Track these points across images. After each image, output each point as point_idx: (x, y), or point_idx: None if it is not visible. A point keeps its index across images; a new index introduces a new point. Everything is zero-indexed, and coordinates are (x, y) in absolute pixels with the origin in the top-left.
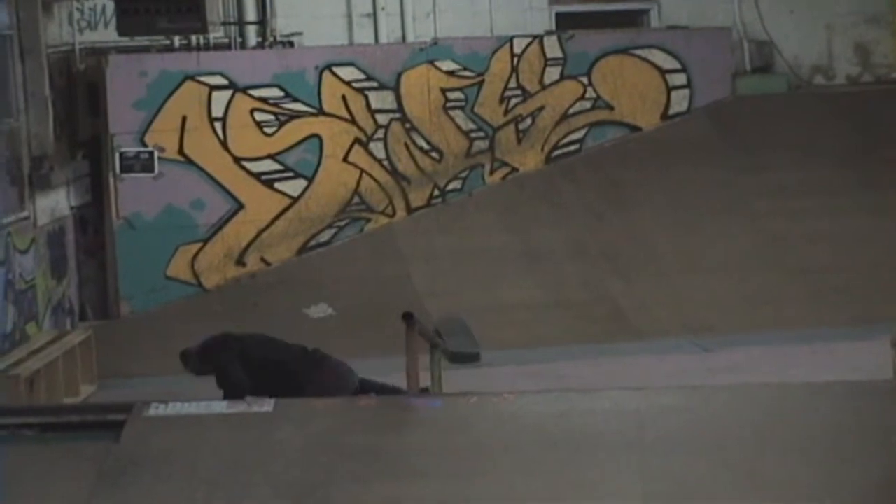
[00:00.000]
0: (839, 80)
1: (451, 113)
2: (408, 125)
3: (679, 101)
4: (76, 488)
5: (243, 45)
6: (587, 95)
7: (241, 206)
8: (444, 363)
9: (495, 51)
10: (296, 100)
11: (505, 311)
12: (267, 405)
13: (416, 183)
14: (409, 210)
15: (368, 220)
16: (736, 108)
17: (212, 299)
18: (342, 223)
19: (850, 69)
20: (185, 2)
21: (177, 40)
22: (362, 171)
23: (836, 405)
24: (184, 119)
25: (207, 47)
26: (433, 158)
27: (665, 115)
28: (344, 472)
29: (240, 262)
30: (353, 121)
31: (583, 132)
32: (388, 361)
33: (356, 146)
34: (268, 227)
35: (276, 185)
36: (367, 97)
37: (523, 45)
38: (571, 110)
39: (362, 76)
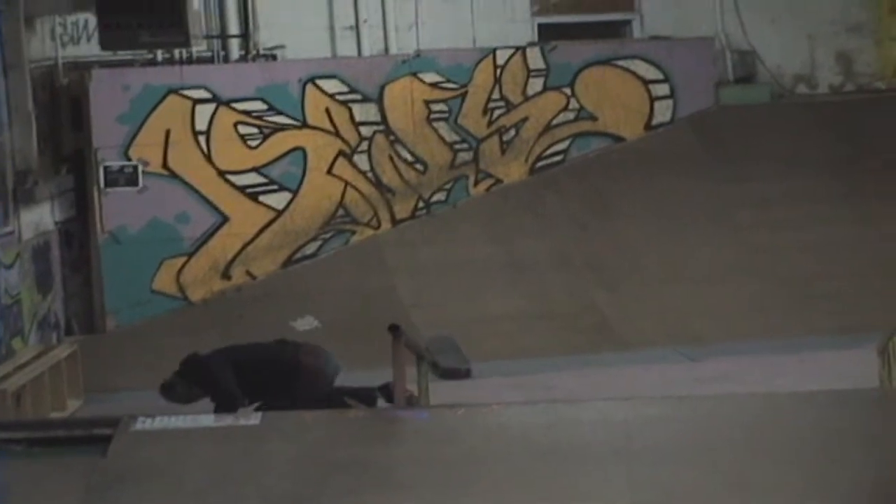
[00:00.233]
0: (822, 90)
1: (435, 125)
2: (392, 137)
3: (662, 112)
4: (64, 503)
5: (226, 59)
6: (570, 106)
7: (225, 220)
8: (434, 377)
9: (478, 62)
10: (279, 113)
11: (490, 322)
12: (254, 418)
13: (401, 195)
14: (394, 222)
15: (353, 233)
16: (719, 118)
17: (198, 312)
18: (327, 236)
19: (833, 78)
20: (168, 16)
21: (159, 54)
22: (347, 183)
23: (823, 413)
24: (167, 133)
25: (190, 61)
26: (417, 170)
27: (648, 126)
28: (333, 485)
29: (225, 275)
30: (336, 133)
31: (566, 143)
32: (374, 373)
33: (340, 159)
34: (253, 240)
35: (261, 198)
36: (350, 110)
37: (506, 57)
38: (555, 121)
39: (345, 89)
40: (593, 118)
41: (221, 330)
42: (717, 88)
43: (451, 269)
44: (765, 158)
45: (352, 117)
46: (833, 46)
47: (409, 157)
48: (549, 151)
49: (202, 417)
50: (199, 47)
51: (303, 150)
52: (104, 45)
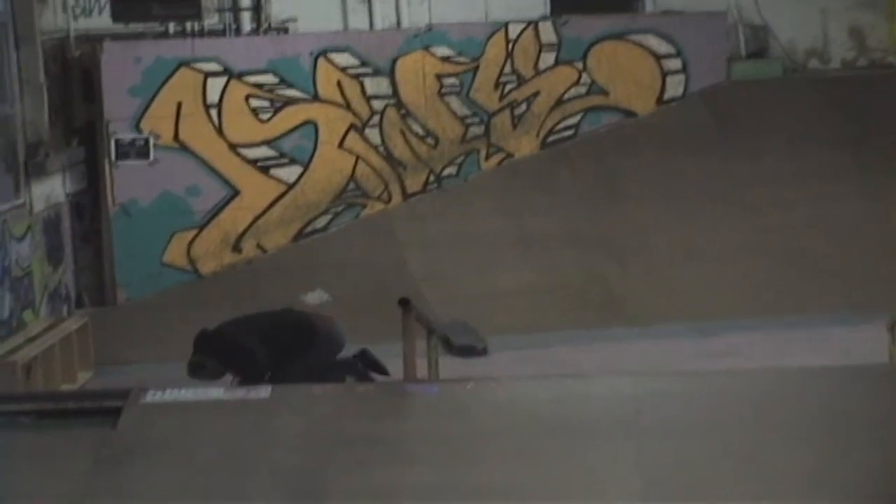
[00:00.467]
0: (834, 65)
1: (447, 99)
2: (403, 111)
3: (674, 87)
4: (73, 475)
5: (238, 32)
6: (582, 81)
7: (236, 193)
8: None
9: (490, 36)
10: (291, 86)
11: (501, 296)
12: (264, 392)
13: (412, 169)
14: (405, 196)
15: (364, 207)
16: (731, 93)
17: (208, 286)
18: (338, 209)
19: (845, 53)
20: None
21: (171, 27)
22: (358, 157)
23: (833, 389)
24: (179, 105)
25: (202, 34)
26: (429, 144)
27: (660, 101)
28: (341, 459)
29: (236, 248)
30: (348, 107)
31: (578, 117)
32: (385, 347)
33: (352, 132)
34: (264, 213)
35: (272, 171)
36: (362, 83)
37: (518, 31)
38: (566, 96)
39: (357, 62)
40: (605, 93)
41: (232, 303)
42: (728, 63)
43: (462, 244)
44: (776, 134)
45: (363, 91)
46: (845, 21)
47: (421, 131)
48: (560, 126)
49: (212, 390)
50: (210, 20)
51: (314, 123)
52: (116, 17)
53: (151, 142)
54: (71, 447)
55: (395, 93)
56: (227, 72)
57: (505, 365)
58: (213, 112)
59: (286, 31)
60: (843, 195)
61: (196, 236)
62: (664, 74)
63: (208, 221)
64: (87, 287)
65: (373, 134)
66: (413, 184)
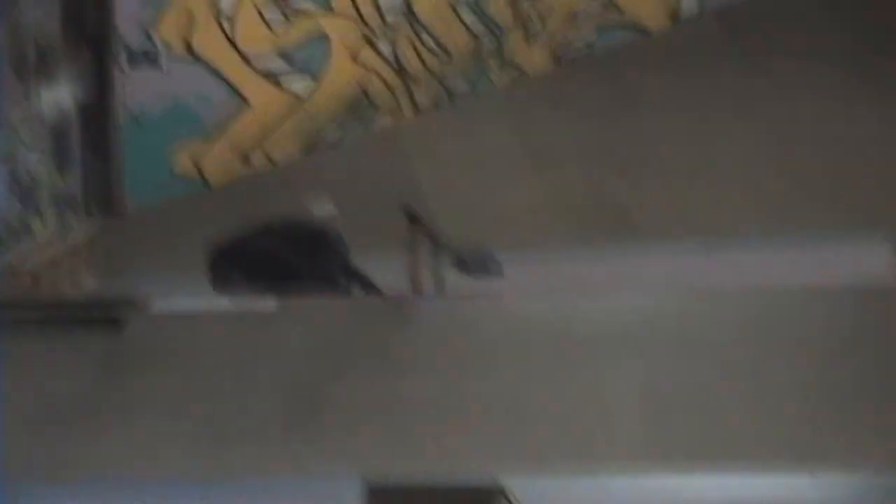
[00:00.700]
0: None
1: (460, 12)
2: (416, 25)
3: (690, 3)
4: (79, 382)
5: None
6: None
7: (247, 104)
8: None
9: None
10: None
11: (510, 212)
12: (270, 303)
13: (424, 83)
14: (416, 111)
15: (375, 121)
16: (748, 8)
17: (216, 197)
18: (349, 123)
19: None
20: None
21: None
22: (370, 70)
23: (840, 308)
24: (191, 14)
25: None
26: (441, 60)
27: (675, 17)
28: (345, 372)
29: (245, 160)
30: (361, 20)
31: (592, 34)
32: (391, 261)
33: (364, 46)
34: (274, 125)
35: (283, 83)
36: None
37: None
38: (581, 11)
39: None
40: (620, 10)
41: (240, 215)
42: None
43: (472, 160)
44: (793, 51)
45: (376, 3)
46: None
47: (433, 46)
48: (574, 43)
49: (218, 301)
50: None
51: (326, 35)
52: None
53: (162, 51)
54: (77, 355)
55: (409, 6)
56: None
57: (512, 281)
58: (226, 22)
59: None
60: (860, 115)
61: (206, 147)
62: None
63: (218, 133)
64: (95, 196)
65: (385, 47)
66: (425, 99)
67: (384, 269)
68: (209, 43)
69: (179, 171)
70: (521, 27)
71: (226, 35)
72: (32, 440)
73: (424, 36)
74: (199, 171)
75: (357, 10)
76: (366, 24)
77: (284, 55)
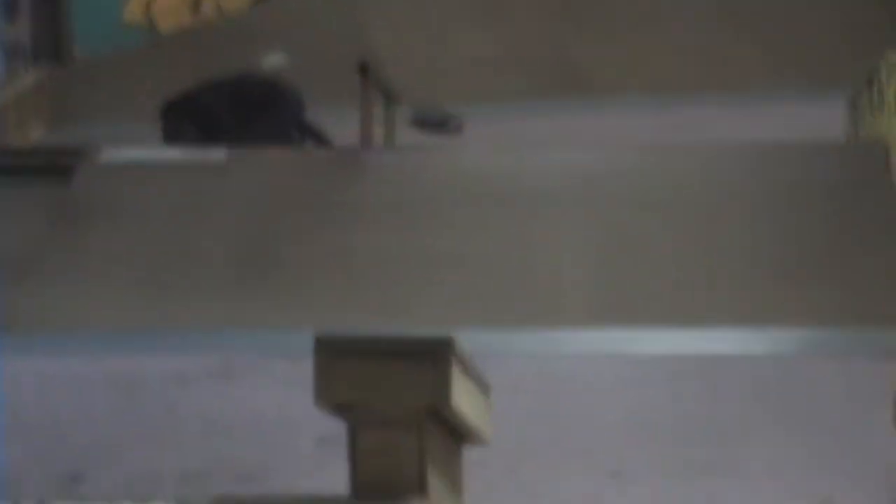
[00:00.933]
0: None
1: None
2: None
3: None
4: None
5: None
6: None
7: None
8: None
9: None
10: None
11: (459, 65)
12: (220, 154)
13: None
14: None
15: None
16: None
17: (167, 48)
18: None
19: None
20: None
21: None
22: None
23: (791, 164)
24: None
25: None
26: None
27: None
28: (297, 224)
29: (195, 8)
30: None
31: None
32: (343, 114)
33: None
34: None
35: None
36: None
37: None
38: None
39: None
40: None
41: (191, 65)
42: None
43: (424, 12)
44: None
45: None
46: None
47: None
48: None
49: (168, 150)
50: None
51: None
52: None
53: None
54: (24, 204)
55: None
56: None
57: (462, 135)
58: None
59: None
60: None
61: None
62: None
63: None
64: (43, 44)
65: None
66: None
67: (336, 122)
68: None
69: (129, 19)
70: None
71: None
72: None
73: None
74: (149, 20)
75: None
76: None
77: None
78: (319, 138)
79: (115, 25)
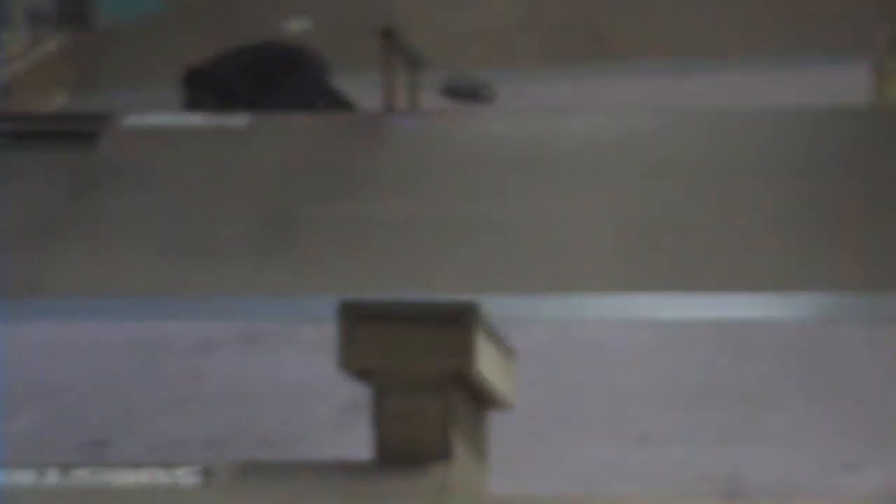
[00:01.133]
0: None
1: None
2: None
3: None
4: (50, 197)
5: None
6: None
7: None
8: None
9: None
10: None
11: (482, 32)
12: (242, 119)
13: None
14: None
15: None
16: None
17: (188, 11)
18: None
19: None
20: None
21: None
22: None
23: (813, 129)
24: None
25: None
26: None
27: None
28: (317, 189)
29: None
30: None
31: None
32: (365, 78)
33: None
34: None
35: None
36: None
37: None
38: None
39: None
40: None
41: (214, 31)
42: None
43: None
44: None
45: None
46: None
47: None
48: None
49: (191, 116)
50: None
51: None
52: None
53: None
54: (48, 169)
55: None
56: None
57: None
58: None
59: None
60: None
61: None
62: None
63: None
64: (66, 8)
65: None
66: None
67: (359, 87)
68: None
69: None
70: None
71: None
72: (2, 257)
73: None
74: None
75: None
76: None
77: None
78: (341, 102)
79: None
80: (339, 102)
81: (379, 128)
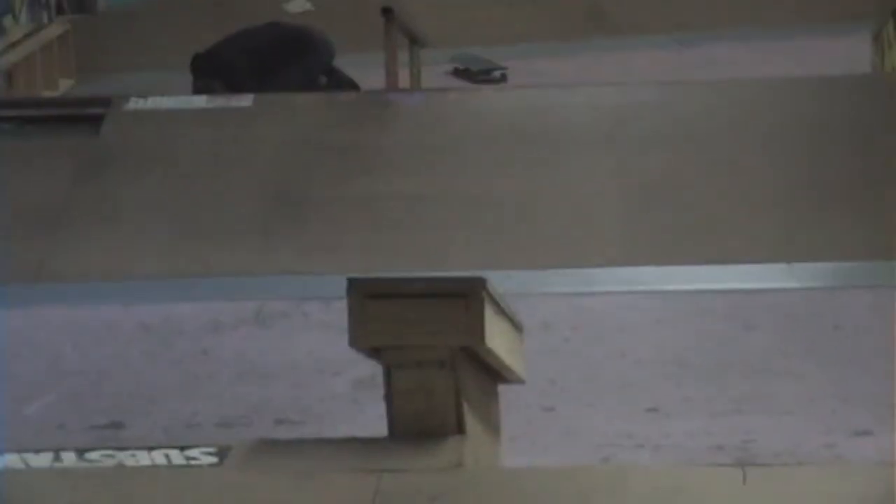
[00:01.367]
0: None
1: None
2: None
3: None
4: (56, 181)
5: None
6: None
7: None
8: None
9: None
10: None
11: (481, 5)
12: (246, 100)
13: None
14: None
15: None
16: None
17: None
18: None
19: None
20: None
21: None
22: None
23: (815, 99)
24: None
25: None
26: None
27: None
28: (322, 167)
29: None
30: None
31: None
32: (367, 57)
33: None
34: None
35: None
36: None
37: None
38: None
39: None
40: None
41: (216, 14)
42: None
43: None
44: None
45: None
46: None
47: None
48: None
49: (195, 98)
50: None
51: None
52: None
53: None
54: (53, 154)
55: None
56: None
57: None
58: None
59: None
60: None
61: None
62: None
63: None
64: None
65: None
66: None
67: (362, 66)
68: None
69: None
70: None
71: None
72: (12, 242)
73: None
74: None
75: None
76: None
77: None
78: (345, 81)
79: None
80: (343, 82)
81: (384, 106)
